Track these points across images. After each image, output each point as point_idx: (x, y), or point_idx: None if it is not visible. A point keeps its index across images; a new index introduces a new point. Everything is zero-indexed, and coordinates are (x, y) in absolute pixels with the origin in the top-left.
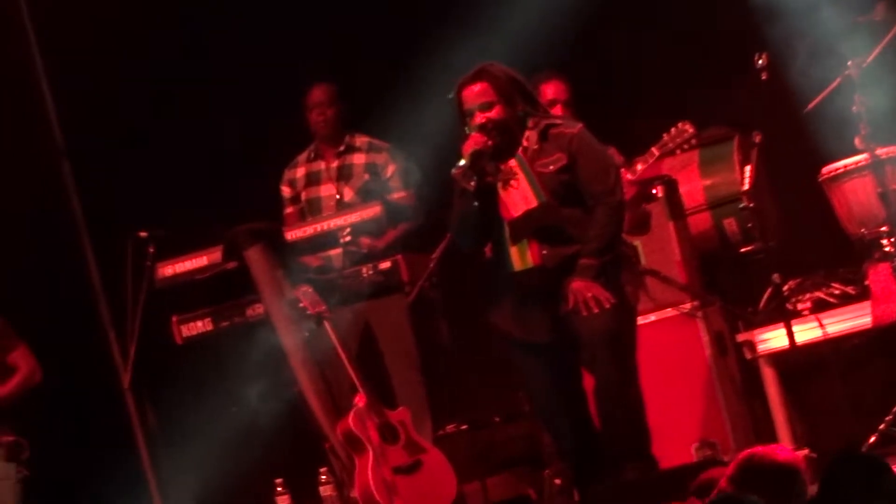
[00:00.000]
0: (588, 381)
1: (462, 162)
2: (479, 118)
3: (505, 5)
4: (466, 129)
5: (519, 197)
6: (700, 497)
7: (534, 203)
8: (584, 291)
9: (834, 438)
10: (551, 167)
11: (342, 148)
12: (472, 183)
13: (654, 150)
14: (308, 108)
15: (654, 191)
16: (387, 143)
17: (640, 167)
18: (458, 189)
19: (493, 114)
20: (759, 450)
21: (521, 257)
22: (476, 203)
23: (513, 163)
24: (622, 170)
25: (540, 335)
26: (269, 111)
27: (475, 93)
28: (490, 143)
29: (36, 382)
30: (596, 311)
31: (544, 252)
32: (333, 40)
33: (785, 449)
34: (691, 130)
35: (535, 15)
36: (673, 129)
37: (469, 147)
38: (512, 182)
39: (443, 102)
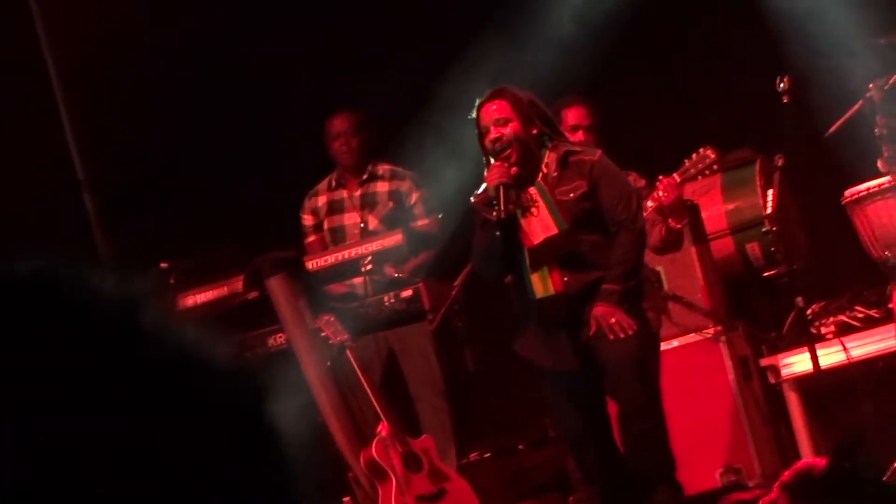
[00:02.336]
0: (612, 408)
1: (482, 188)
2: (494, 133)
3: (529, 31)
4: (484, 148)
5: (539, 224)
6: None
7: (554, 231)
8: (608, 317)
9: (859, 463)
10: (572, 195)
11: (365, 176)
12: (495, 213)
13: (676, 176)
14: (330, 138)
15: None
16: (410, 170)
17: (661, 193)
18: (479, 219)
19: (509, 129)
20: (814, 461)
21: (543, 284)
22: (499, 233)
23: (532, 190)
24: (660, 176)
25: (564, 362)
26: (291, 138)
27: (493, 110)
28: (514, 171)
29: None
30: (621, 336)
31: (566, 279)
32: (355, 66)
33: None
34: (713, 156)
35: (559, 39)
36: (695, 155)
37: (493, 178)
38: (532, 209)
39: (464, 128)
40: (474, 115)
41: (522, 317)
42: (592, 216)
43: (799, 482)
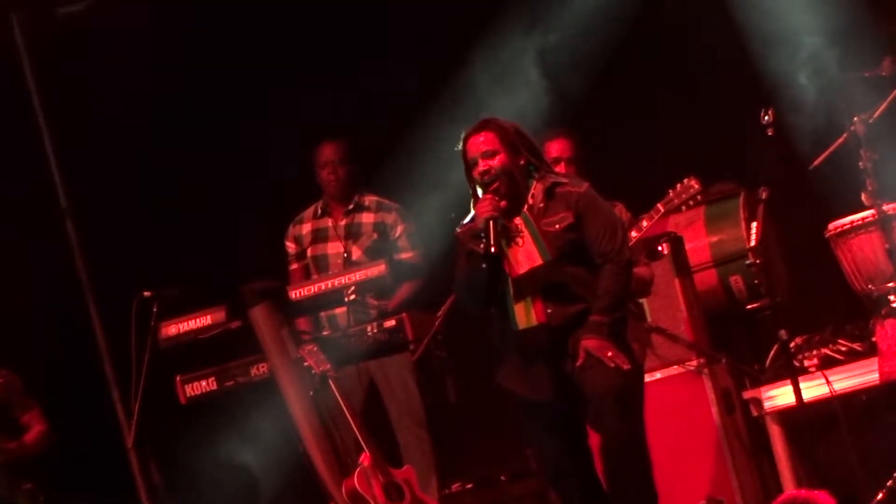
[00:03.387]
0: (594, 439)
1: (468, 219)
2: (482, 165)
3: (513, 62)
4: (472, 179)
5: (524, 255)
6: None
7: (539, 261)
8: (602, 350)
9: (842, 496)
10: (557, 226)
11: (351, 206)
12: (483, 247)
13: (660, 207)
14: (319, 166)
15: (660, 248)
16: (396, 203)
17: (645, 224)
18: (463, 249)
19: (496, 162)
20: (800, 493)
21: (526, 315)
22: (485, 266)
23: (518, 220)
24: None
25: (545, 393)
26: (277, 166)
27: (480, 142)
28: (503, 204)
29: (49, 444)
30: (623, 367)
31: (549, 310)
32: (337, 97)
33: (825, 495)
34: (697, 186)
35: (542, 71)
36: (679, 185)
37: (483, 212)
38: (517, 239)
39: (448, 160)
40: (460, 146)
41: (503, 347)
42: (577, 248)
43: None
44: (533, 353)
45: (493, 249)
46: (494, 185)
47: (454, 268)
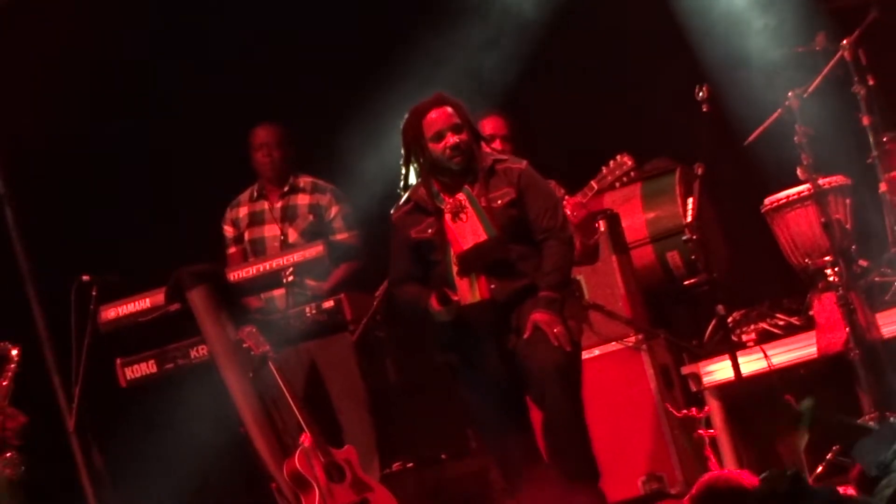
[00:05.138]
0: (535, 415)
1: (403, 201)
2: (453, 139)
3: (444, 44)
4: (419, 154)
5: (468, 230)
6: None
7: (483, 237)
8: (552, 325)
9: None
10: (500, 202)
11: (286, 188)
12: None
13: (594, 184)
14: (253, 149)
15: (596, 224)
16: (331, 184)
17: (570, 212)
18: (400, 235)
19: (465, 136)
20: (721, 473)
21: (470, 291)
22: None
23: (461, 196)
24: (567, 197)
25: (489, 368)
26: (211, 149)
27: (447, 114)
28: (453, 296)
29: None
30: (566, 347)
31: (493, 286)
32: (275, 80)
33: (746, 473)
34: (630, 163)
35: (475, 52)
36: (612, 162)
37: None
38: (461, 215)
39: (384, 141)
40: (411, 121)
41: (444, 323)
42: (519, 224)
43: (705, 495)
44: (476, 329)
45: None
46: (457, 160)
47: (390, 253)
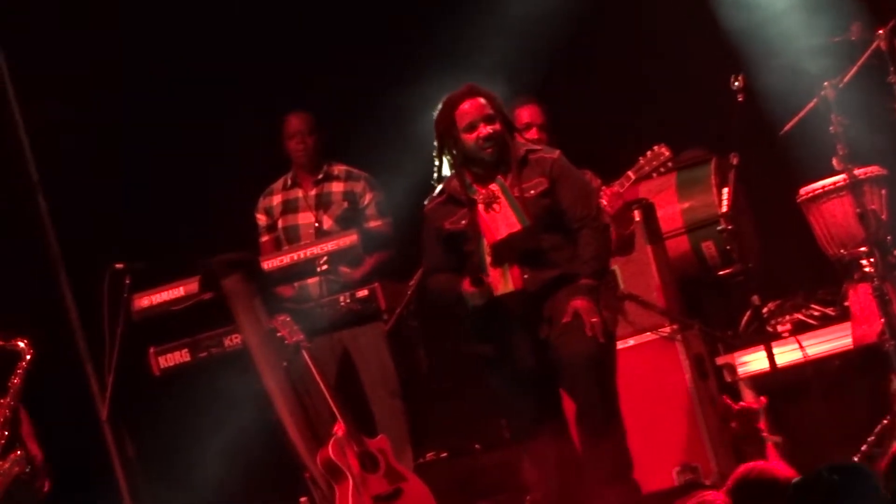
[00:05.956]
0: (568, 406)
1: (436, 192)
2: (486, 129)
3: (479, 33)
4: (452, 145)
5: (501, 220)
6: None
7: (517, 227)
8: (590, 314)
9: (816, 460)
10: (532, 192)
11: (320, 176)
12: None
13: (630, 174)
14: (286, 137)
15: (631, 214)
16: (364, 171)
17: (605, 203)
18: (432, 226)
19: (497, 126)
20: (757, 465)
21: (503, 281)
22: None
23: (494, 186)
24: (604, 187)
25: (521, 359)
26: (245, 139)
27: (479, 104)
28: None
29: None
30: (592, 336)
31: (526, 276)
32: (306, 70)
33: (782, 465)
34: (667, 153)
35: (512, 41)
36: (649, 153)
37: (472, 297)
38: (494, 205)
39: (418, 131)
40: (445, 112)
41: (476, 312)
42: (552, 214)
43: (739, 487)
44: (509, 319)
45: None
46: (489, 150)
47: (422, 245)
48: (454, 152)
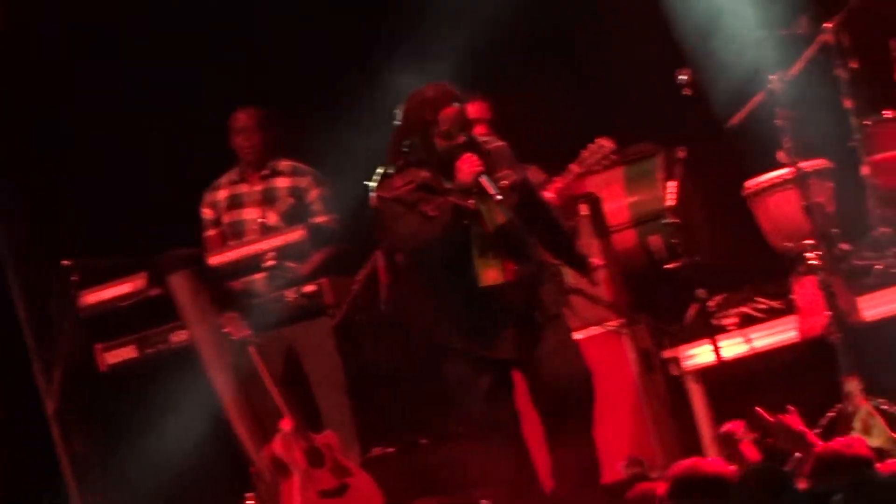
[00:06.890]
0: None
1: (374, 180)
2: (461, 139)
3: (427, 30)
4: (425, 141)
5: (485, 213)
6: None
7: (502, 218)
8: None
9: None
10: (505, 182)
11: (266, 172)
12: (496, 196)
13: (573, 167)
14: (233, 132)
15: (577, 208)
16: (310, 167)
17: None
18: (391, 212)
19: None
20: (697, 462)
21: (494, 272)
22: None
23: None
24: (549, 183)
25: (504, 351)
26: (192, 134)
27: (462, 113)
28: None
29: None
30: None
31: (514, 268)
32: (256, 64)
33: (718, 462)
34: (609, 146)
35: (459, 36)
36: (591, 146)
37: (473, 167)
38: (469, 199)
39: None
40: (430, 108)
41: (455, 304)
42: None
43: (684, 484)
44: (497, 310)
45: (499, 197)
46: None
47: (388, 223)
48: (422, 148)
